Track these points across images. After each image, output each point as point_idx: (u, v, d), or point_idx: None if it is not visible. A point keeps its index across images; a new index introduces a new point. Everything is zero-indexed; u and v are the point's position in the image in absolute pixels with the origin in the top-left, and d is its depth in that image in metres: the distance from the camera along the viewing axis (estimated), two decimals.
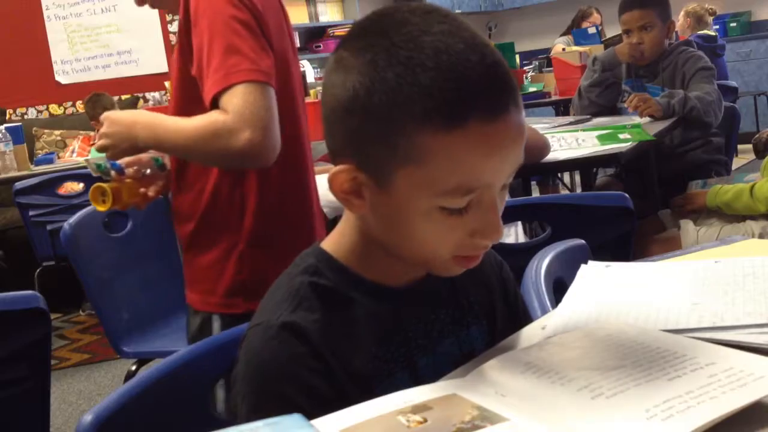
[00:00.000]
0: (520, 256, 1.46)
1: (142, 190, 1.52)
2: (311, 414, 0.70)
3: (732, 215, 2.59)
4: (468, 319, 0.89)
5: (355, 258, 0.83)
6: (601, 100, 3.18)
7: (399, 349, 0.82)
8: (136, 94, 5.90)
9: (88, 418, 0.87)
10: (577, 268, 1.05)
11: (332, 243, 0.85)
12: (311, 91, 4.29)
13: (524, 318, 0.97)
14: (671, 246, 2.49)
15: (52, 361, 2.20)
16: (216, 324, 1.48)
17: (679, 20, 5.54)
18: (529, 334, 0.88)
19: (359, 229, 0.82)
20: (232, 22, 1.35)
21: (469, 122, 0.71)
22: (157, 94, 5.94)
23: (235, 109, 1.29)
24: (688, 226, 2.57)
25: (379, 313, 0.81)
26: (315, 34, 7.11)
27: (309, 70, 5.33)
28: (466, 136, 0.71)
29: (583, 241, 1.28)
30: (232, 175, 1.46)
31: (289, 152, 1.47)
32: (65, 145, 5.20)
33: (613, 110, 3.20)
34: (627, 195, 1.75)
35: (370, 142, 0.75)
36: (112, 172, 1.49)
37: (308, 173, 1.59)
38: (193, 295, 1.53)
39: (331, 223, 1.95)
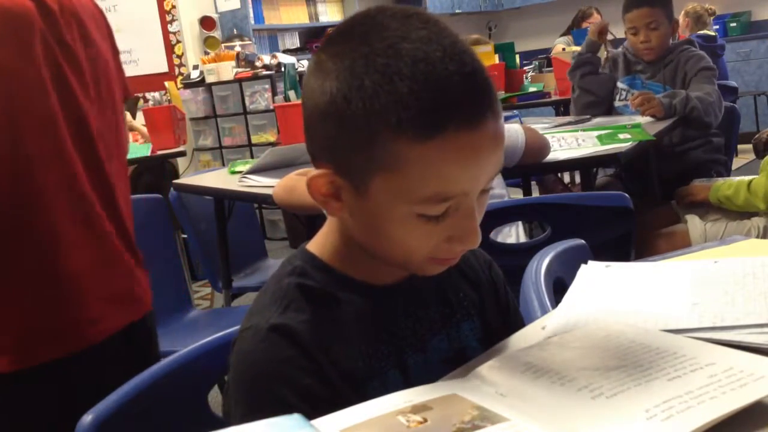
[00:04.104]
0: (520, 256, 1.46)
1: None
2: (305, 414, 0.70)
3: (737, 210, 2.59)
4: (458, 316, 0.89)
5: (340, 258, 0.83)
6: (589, 86, 3.16)
7: (388, 348, 0.82)
8: (136, 94, 5.90)
9: (88, 417, 0.87)
10: (577, 268, 1.05)
11: (317, 244, 0.85)
12: None
13: (515, 317, 0.97)
14: (678, 240, 2.49)
15: None
16: None
17: (679, 20, 5.54)
18: (529, 334, 0.88)
19: (341, 230, 0.83)
20: None
21: (445, 132, 0.70)
22: (157, 94, 5.94)
23: None
24: (695, 221, 2.57)
25: (367, 312, 0.82)
26: (315, 34, 7.11)
27: None
28: (443, 145, 0.70)
29: (583, 241, 1.28)
30: None
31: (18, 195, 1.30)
32: None
33: (611, 109, 3.20)
34: (627, 195, 1.75)
35: (347, 148, 0.74)
36: None
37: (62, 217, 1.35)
38: None
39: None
